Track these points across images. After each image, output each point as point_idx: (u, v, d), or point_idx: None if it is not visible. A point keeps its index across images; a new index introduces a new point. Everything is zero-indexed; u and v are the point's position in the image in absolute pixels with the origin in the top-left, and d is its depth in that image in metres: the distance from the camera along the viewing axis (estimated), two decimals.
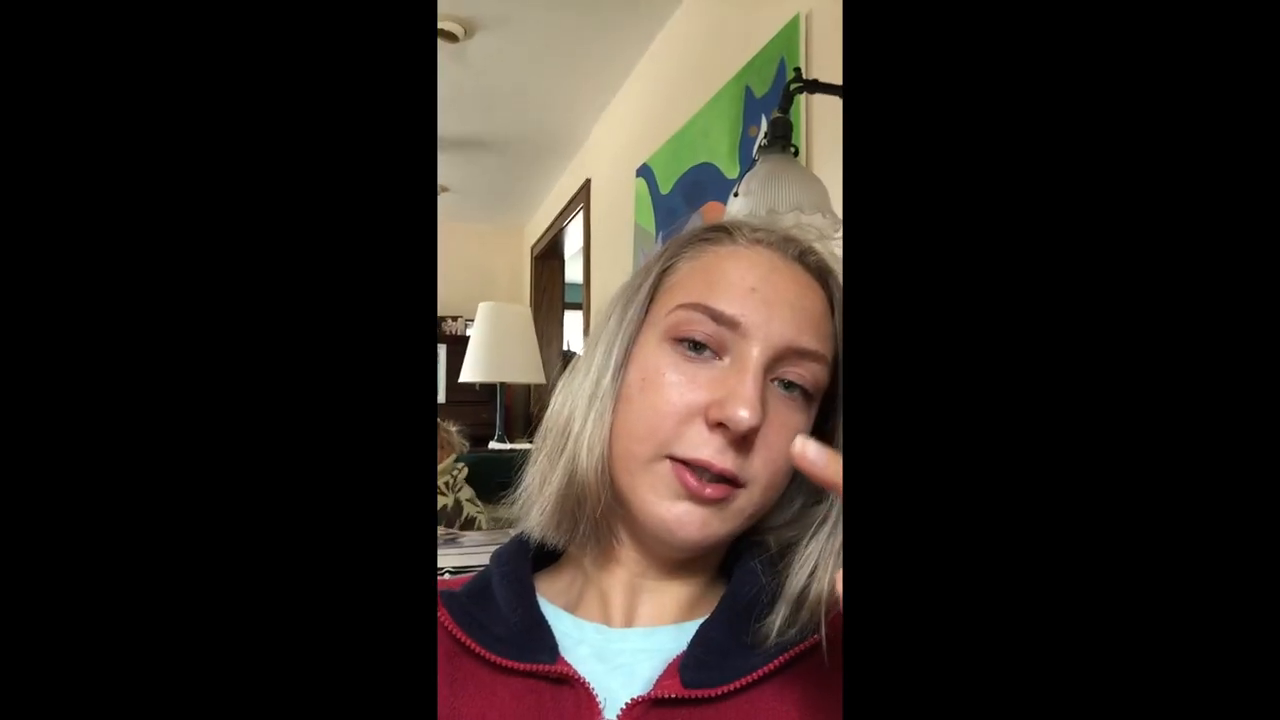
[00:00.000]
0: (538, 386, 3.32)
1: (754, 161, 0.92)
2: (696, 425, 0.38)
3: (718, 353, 0.39)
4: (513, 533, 0.45)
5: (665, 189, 2.07)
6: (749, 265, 0.40)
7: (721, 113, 1.72)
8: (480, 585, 0.43)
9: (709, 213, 1.75)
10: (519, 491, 0.44)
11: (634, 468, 0.39)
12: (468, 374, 2.57)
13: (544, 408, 0.44)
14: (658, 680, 0.37)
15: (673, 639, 0.40)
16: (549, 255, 3.87)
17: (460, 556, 1.20)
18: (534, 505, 0.43)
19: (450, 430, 2.01)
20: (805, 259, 0.43)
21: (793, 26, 1.41)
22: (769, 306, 0.39)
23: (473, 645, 0.39)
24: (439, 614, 0.41)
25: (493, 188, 3.71)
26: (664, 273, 0.43)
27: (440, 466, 1.94)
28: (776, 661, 0.37)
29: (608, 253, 2.64)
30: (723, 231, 0.43)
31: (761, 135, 0.97)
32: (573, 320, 4.05)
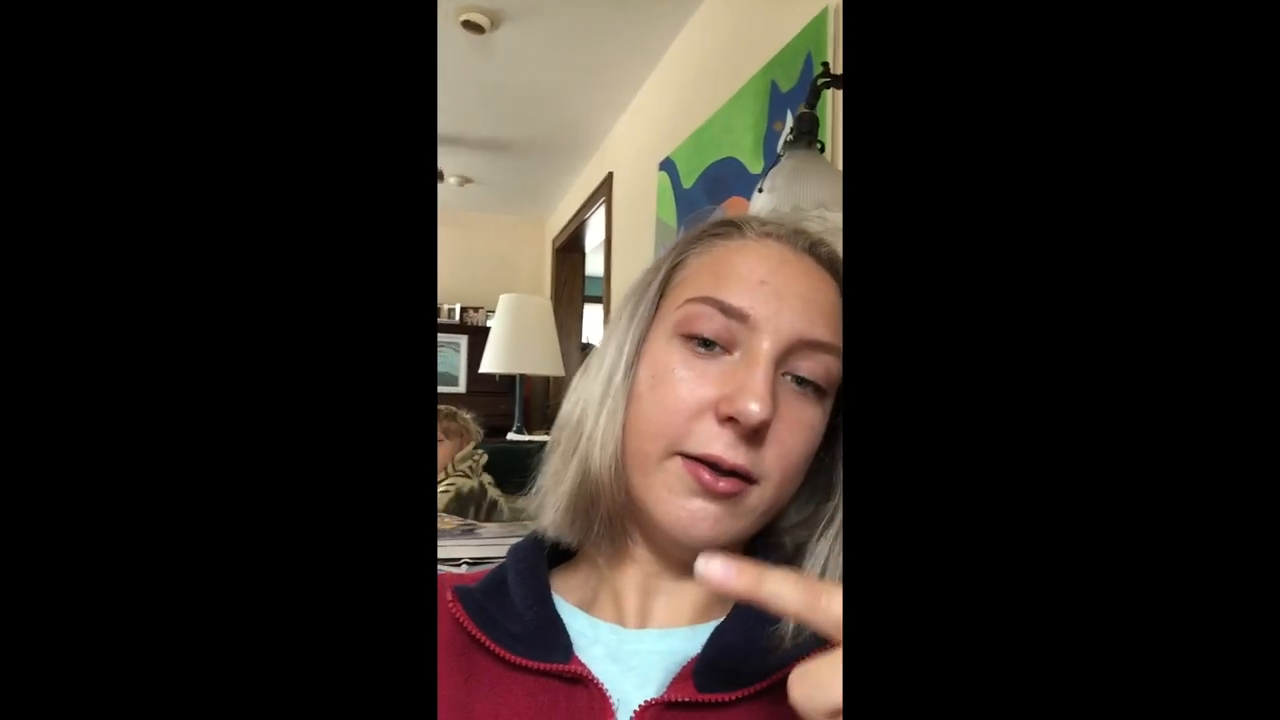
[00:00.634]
0: (556, 379, 3.33)
1: (779, 157, 0.91)
2: (707, 421, 0.37)
3: (727, 348, 0.39)
4: (531, 525, 0.45)
5: (688, 183, 2.06)
6: (758, 258, 0.40)
7: (746, 107, 1.71)
8: (496, 581, 0.43)
9: (732, 208, 1.74)
10: (535, 489, 0.44)
11: (647, 466, 0.39)
12: (488, 365, 2.58)
13: (561, 401, 0.44)
14: (671, 683, 0.37)
15: (687, 641, 0.39)
16: (570, 248, 3.87)
17: (478, 548, 1.21)
18: (548, 503, 0.42)
19: (467, 418, 2.03)
20: (816, 251, 0.42)
21: (820, 21, 1.39)
22: (779, 299, 0.38)
23: (488, 642, 0.39)
24: (454, 609, 0.41)
25: (516, 180, 3.72)
26: (673, 269, 0.42)
27: (461, 453, 1.96)
28: (791, 666, 0.37)
29: (629, 246, 2.64)
30: (732, 226, 0.43)
31: (787, 130, 0.96)
32: (593, 314, 4.06)
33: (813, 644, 0.38)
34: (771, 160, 1.12)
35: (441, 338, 4.27)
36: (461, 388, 4.17)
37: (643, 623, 0.41)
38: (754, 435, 0.37)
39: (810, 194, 0.84)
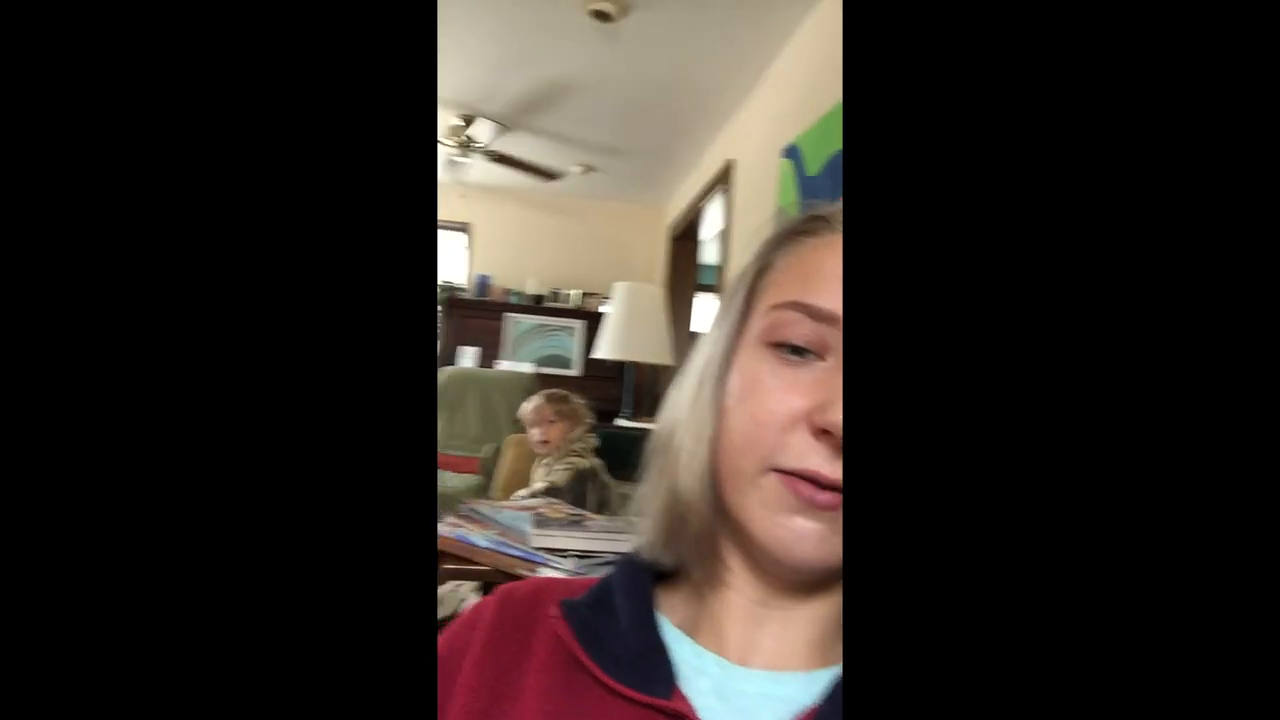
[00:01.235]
0: (666, 368, 3.35)
1: None
2: (800, 433, 0.35)
3: (819, 354, 0.36)
4: (636, 520, 0.45)
5: (813, 170, 2.00)
6: None
7: None
8: (601, 595, 0.41)
9: None
10: (635, 498, 0.43)
11: (741, 483, 0.36)
12: (601, 351, 2.62)
13: (666, 389, 0.43)
14: None
15: (803, 689, 0.36)
16: (686, 236, 3.87)
17: (586, 540, 1.21)
18: (645, 523, 0.41)
19: (579, 402, 2.08)
20: None
21: None
22: None
23: (590, 665, 0.37)
24: (558, 625, 0.39)
25: (635, 167, 3.75)
26: (760, 272, 0.40)
27: (574, 434, 2.01)
28: None
29: (749, 235, 2.61)
30: (820, 221, 0.39)
31: None
32: (705, 303, 4.04)
33: None
34: None
35: (556, 322, 4.38)
36: (576, 371, 4.27)
37: (749, 656, 0.38)
38: None
39: None
